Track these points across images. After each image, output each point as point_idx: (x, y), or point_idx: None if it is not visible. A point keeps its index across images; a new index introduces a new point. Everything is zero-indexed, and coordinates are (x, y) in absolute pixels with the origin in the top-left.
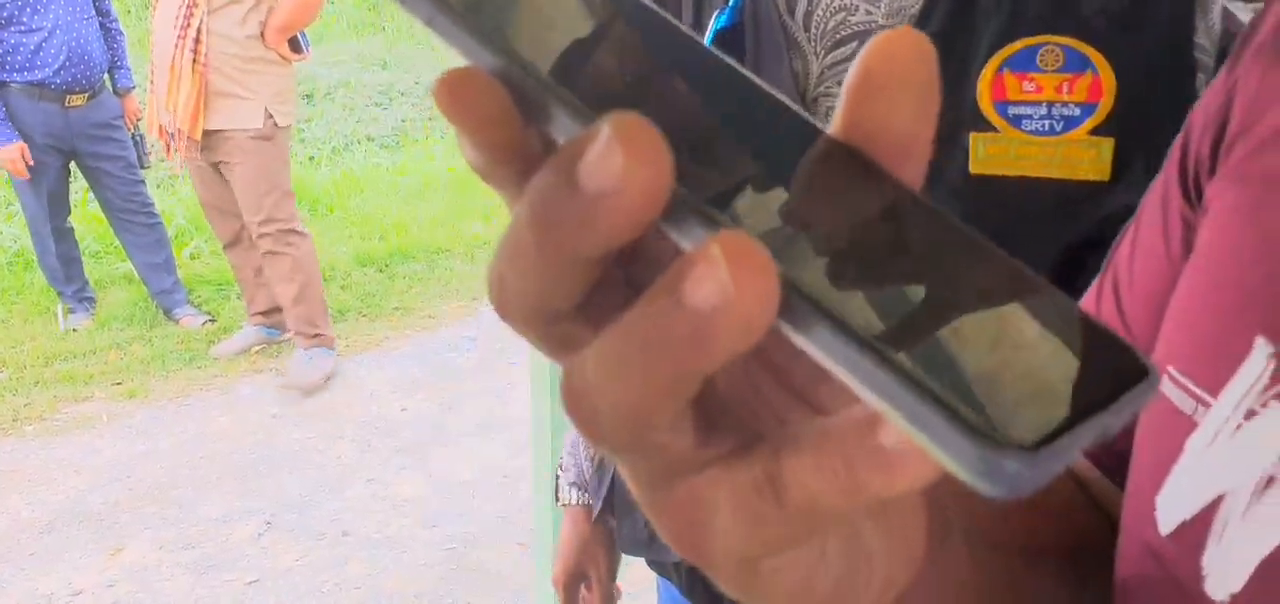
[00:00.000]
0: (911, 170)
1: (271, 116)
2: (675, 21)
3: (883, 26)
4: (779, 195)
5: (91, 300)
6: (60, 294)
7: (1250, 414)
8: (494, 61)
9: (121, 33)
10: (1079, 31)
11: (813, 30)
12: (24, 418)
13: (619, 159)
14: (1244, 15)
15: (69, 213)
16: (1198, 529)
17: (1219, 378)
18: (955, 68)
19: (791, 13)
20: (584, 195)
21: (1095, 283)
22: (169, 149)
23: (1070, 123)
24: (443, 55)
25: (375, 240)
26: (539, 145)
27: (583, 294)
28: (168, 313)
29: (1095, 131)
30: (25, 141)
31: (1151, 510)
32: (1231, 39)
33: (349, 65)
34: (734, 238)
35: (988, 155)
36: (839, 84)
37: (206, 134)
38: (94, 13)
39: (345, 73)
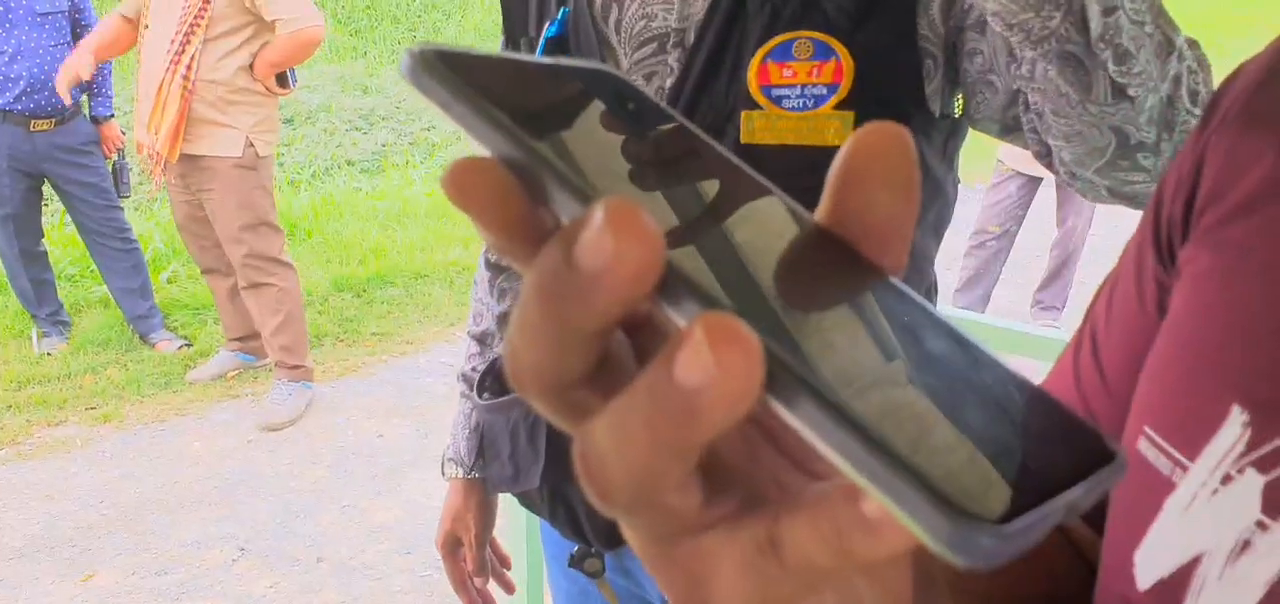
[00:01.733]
0: (893, 256)
1: (252, 145)
2: (675, 113)
3: (676, 29)
4: (768, 276)
5: (66, 324)
6: (34, 317)
7: (1227, 479)
8: (502, 147)
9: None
10: (824, 27)
11: (622, 33)
12: None
13: (610, 241)
14: None
15: (41, 236)
16: (1175, 587)
17: (1196, 443)
18: (730, 60)
19: (605, 20)
20: (581, 274)
21: (1074, 334)
22: (157, 168)
23: (819, 100)
24: None
25: (354, 265)
26: (552, 223)
27: (590, 366)
28: (143, 337)
29: (839, 106)
30: None
31: (1130, 566)
32: (957, 31)
33: (330, 90)
34: (717, 319)
35: (755, 128)
36: (646, 79)
37: (186, 159)
38: (70, 40)
39: (326, 97)
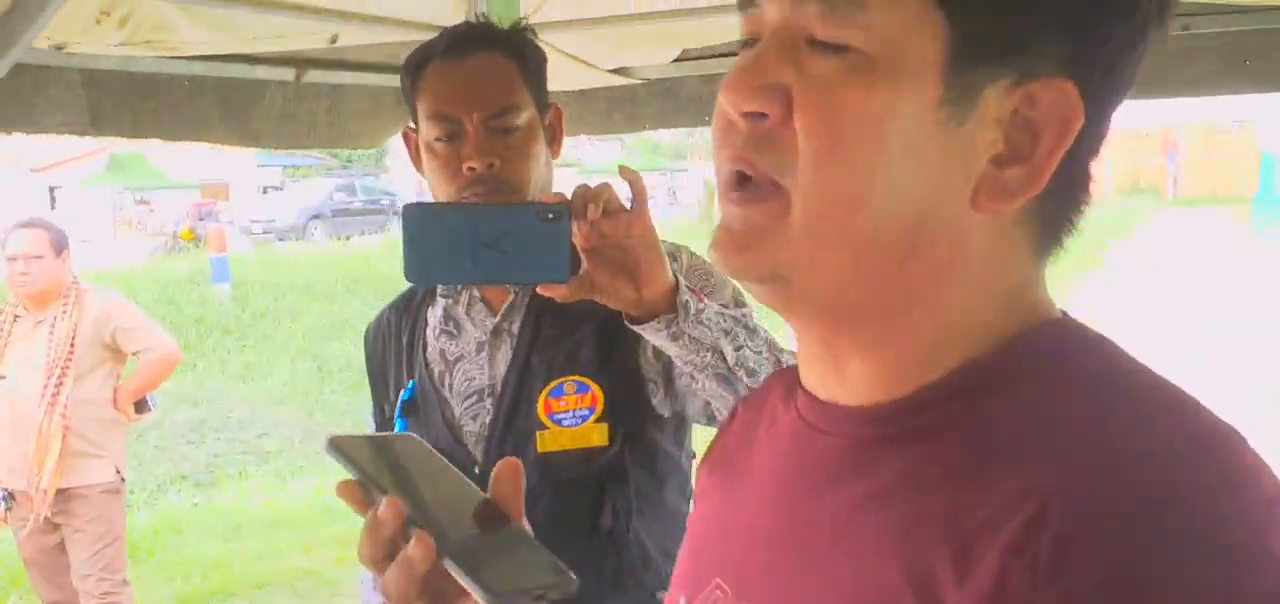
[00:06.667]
0: (515, 511)
1: (118, 471)
2: (436, 453)
3: (489, 384)
4: (452, 515)
5: None
6: None
7: None
8: (358, 475)
9: None
10: (581, 371)
11: (453, 391)
12: None
13: (383, 513)
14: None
15: None
16: None
17: None
18: (526, 401)
19: (442, 384)
20: (376, 524)
21: None
22: (43, 504)
23: (584, 418)
24: (252, 391)
25: (196, 581)
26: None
27: (391, 555)
28: None
29: (598, 420)
30: None
31: None
32: (668, 363)
33: (161, 406)
34: (421, 534)
35: (547, 441)
36: (473, 418)
37: (57, 494)
38: None
39: (156, 414)
